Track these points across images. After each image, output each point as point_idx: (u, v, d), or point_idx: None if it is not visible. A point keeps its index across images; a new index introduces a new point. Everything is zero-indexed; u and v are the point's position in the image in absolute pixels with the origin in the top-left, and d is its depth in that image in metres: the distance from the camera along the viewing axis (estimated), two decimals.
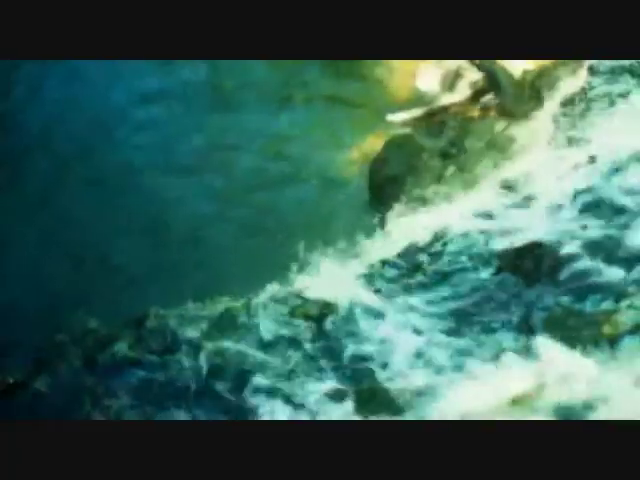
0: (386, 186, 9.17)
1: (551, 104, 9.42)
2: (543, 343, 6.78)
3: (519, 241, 7.73)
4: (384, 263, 7.98)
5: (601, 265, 7.33)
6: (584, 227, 7.68)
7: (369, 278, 7.80)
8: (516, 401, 6.32)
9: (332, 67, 10.46)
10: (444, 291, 7.56)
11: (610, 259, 7.36)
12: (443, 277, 7.69)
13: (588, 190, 8.08)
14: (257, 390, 6.81)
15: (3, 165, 9.72)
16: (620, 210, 7.78)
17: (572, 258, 7.44)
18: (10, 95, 10.63)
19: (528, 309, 7.19)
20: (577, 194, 8.09)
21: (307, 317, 7.38)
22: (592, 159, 8.34)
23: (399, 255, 8.04)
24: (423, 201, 8.72)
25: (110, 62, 9.87)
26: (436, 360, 6.88)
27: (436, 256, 7.90)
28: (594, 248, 7.48)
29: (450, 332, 7.14)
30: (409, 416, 6.48)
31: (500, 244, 7.80)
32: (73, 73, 10.68)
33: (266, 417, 6.58)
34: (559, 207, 8.06)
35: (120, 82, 10.68)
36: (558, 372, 6.47)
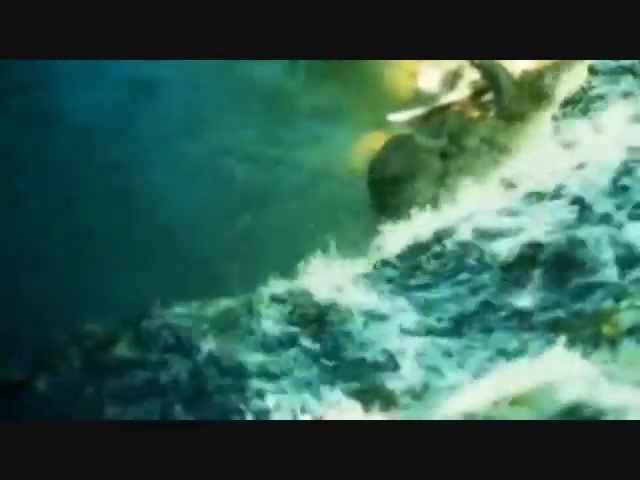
0: (386, 186, 9.17)
1: (551, 104, 9.42)
2: (543, 343, 6.78)
3: (519, 241, 7.73)
4: (384, 263, 7.98)
5: (601, 265, 7.33)
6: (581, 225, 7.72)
7: (369, 278, 7.80)
8: (516, 401, 6.31)
9: (333, 67, 10.45)
10: (444, 291, 7.56)
11: (610, 258, 7.37)
12: (443, 277, 7.69)
13: (588, 189, 8.09)
14: (257, 390, 6.81)
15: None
16: (619, 209, 7.79)
17: (572, 258, 7.45)
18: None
19: (528, 309, 7.19)
20: (577, 193, 8.09)
21: (307, 317, 7.39)
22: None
23: (399, 255, 8.05)
24: (423, 201, 8.72)
25: None
26: (436, 360, 6.89)
27: (436, 256, 7.90)
28: (594, 247, 7.49)
29: (450, 332, 7.15)
30: (409, 416, 6.48)
31: (500, 244, 7.80)
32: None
33: (266, 417, 6.59)
34: (559, 207, 8.06)
35: None
36: (558, 372, 6.47)
